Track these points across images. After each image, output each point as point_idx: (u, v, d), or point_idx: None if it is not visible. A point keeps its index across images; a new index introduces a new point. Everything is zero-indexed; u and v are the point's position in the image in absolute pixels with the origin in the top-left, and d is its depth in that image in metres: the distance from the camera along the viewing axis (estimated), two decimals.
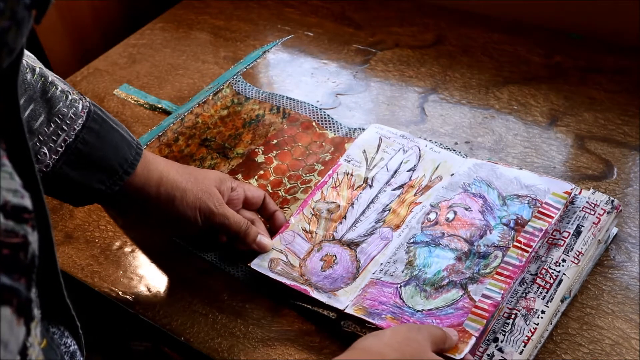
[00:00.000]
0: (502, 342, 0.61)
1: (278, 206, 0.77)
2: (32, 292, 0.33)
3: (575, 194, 0.70)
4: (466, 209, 0.71)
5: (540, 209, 0.68)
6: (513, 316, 0.62)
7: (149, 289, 0.74)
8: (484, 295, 0.62)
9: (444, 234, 0.70)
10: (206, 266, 0.75)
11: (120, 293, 0.74)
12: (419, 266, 0.67)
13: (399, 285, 0.66)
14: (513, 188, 0.71)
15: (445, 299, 0.64)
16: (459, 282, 0.65)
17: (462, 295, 0.63)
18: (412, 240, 0.70)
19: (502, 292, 0.62)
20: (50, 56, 1.16)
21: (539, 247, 0.66)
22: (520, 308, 0.62)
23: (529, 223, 0.67)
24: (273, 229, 0.75)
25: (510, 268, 0.64)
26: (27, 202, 0.32)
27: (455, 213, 0.71)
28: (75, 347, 0.55)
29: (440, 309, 0.63)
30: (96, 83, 1.04)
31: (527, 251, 0.65)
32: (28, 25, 0.35)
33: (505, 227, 0.68)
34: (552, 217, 0.67)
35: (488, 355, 0.60)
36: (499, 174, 0.73)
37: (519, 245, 0.65)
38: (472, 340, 0.59)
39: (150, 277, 0.75)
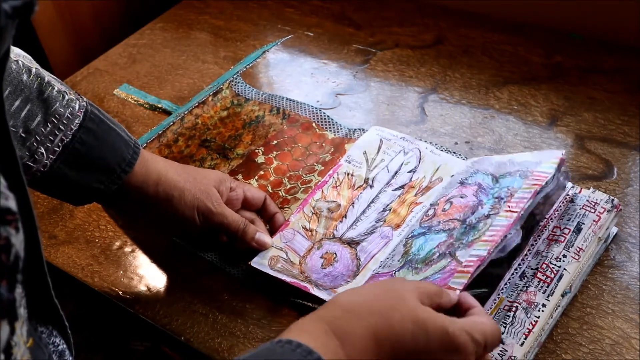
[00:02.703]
0: (503, 333, 0.61)
1: (278, 206, 0.77)
2: (15, 292, 0.33)
3: (575, 193, 0.70)
4: (461, 197, 0.71)
5: (530, 176, 0.67)
6: (514, 309, 0.62)
7: (149, 289, 0.74)
8: (470, 256, 0.61)
9: (439, 222, 0.69)
10: (206, 266, 0.75)
11: (120, 293, 0.74)
12: (413, 252, 0.67)
13: (393, 272, 0.66)
14: (505, 168, 0.71)
15: (434, 269, 0.63)
16: (449, 252, 0.64)
17: (449, 262, 0.63)
18: (410, 236, 0.70)
19: (489, 247, 0.61)
20: (50, 56, 1.16)
21: (530, 207, 0.64)
22: (521, 301, 0.63)
23: (519, 190, 0.66)
24: (273, 231, 0.75)
25: (498, 228, 0.63)
26: (11, 203, 0.32)
27: (451, 203, 0.71)
28: (64, 346, 0.55)
29: (429, 277, 0.62)
30: (96, 83, 1.04)
31: (515, 212, 0.63)
32: (10, 32, 0.35)
33: (496, 200, 0.67)
34: (543, 179, 0.65)
35: None
36: (493, 161, 0.73)
37: (508, 208, 0.64)
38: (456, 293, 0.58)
39: (150, 277, 0.75)
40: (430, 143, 0.81)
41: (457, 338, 0.49)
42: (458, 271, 0.60)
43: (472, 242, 0.63)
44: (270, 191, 0.80)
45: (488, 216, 0.65)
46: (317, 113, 0.89)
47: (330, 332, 0.48)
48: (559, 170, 0.67)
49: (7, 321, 0.32)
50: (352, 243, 0.72)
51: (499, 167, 0.71)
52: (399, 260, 0.68)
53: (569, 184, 0.70)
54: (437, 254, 0.65)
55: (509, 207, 0.65)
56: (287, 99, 0.92)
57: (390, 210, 0.74)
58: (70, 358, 0.56)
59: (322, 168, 0.82)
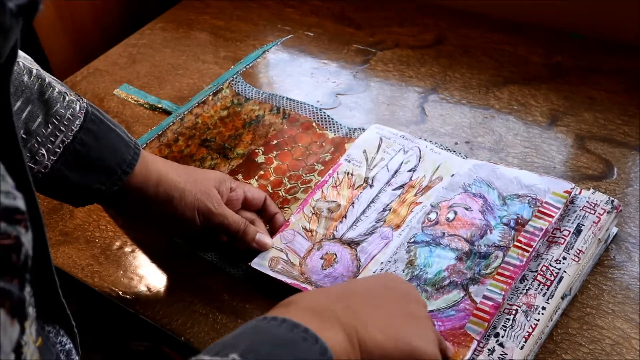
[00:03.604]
0: (502, 337, 0.61)
1: (278, 206, 0.77)
2: (25, 291, 0.33)
3: (575, 194, 0.70)
4: (466, 209, 0.71)
5: (540, 209, 0.68)
6: (514, 312, 0.62)
7: (149, 289, 0.74)
8: (485, 297, 0.63)
9: (444, 233, 0.70)
10: (206, 266, 0.75)
11: (120, 293, 0.74)
12: (419, 266, 0.68)
13: None
14: (513, 188, 0.71)
15: (446, 300, 0.64)
16: (460, 283, 0.65)
17: (463, 297, 0.64)
18: (412, 240, 0.70)
19: (503, 292, 0.62)
20: (50, 56, 1.16)
21: (540, 246, 0.66)
22: (521, 304, 0.63)
23: (530, 222, 0.67)
24: (273, 231, 0.75)
25: (511, 268, 0.64)
26: (20, 203, 0.32)
27: (455, 213, 0.71)
28: (71, 345, 0.55)
29: (442, 311, 0.63)
30: (96, 83, 1.04)
31: (527, 251, 0.65)
32: (16, 31, 0.35)
33: (505, 227, 0.68)
34: (552, 217, 0.67)
35: (489, 349, 0.60)
36: (499, 174, 0.73)
37: (519, 245, 0.66)
38: (474, 344, 0.59)
39: (150, 277, 0.75)
40: (430, 141, 0.81)
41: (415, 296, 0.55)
42: (474, 314, 0.62)
43: (484, 278, 0.64)
44: (270, 191, 0.80)
45: (498, 247, 0.66)
46: (317, 113, 0.89)
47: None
48: (566, 205, 0.68)
49: (17, 320, 0.32)
50: (352, 244, 0.72)
51: (505, 185, 0.72)
52: (404, 271, 0.68)
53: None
54: (448, 280, 0.65)
55: (519, 241, 0.66)
56: (287, 98, 0.92)
57: (390, 210, 0.74)
58: (77, 357, 0.56)
59: (322, 168, 0.82)
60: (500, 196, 0.71)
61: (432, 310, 0.63)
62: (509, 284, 0.63)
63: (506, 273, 0.64)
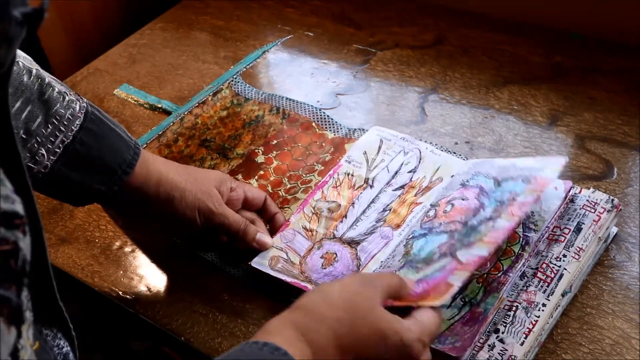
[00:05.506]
0: (503, 333, 0.61)
1: (278, 206, 0.77)
2: (22, 295, 0.33)
3: (575, 193, 0.70)
4: (463, 199, 0.70)
5: (533, 182, 0.66)
6: (514, 308, 0.62)
7: (149, 289, 0.74)
8: (471, 255, 0.61)
9: (440, 224, 0.69)
10: (206, 266, 0.75)
11: (120, 293, 0.74)
12: (414, 253, 0.67)
13: (394, 272, 0.66)
14: (508, 172, 0.70)
15: (434, 268, 0.62)
16: (449, 252, 0.64)
17: (450, 261, 0.62)
18: (411, 236, 0.70)
19: (490, 247, 0.60)
20: (50, 56, 1.16)
21: (531, 210, 0.64)
22: (522, 301, 0.63)
23: (522, 194, 0.65)
24: (273, 231, 0.75)
25: (500, 230, 0.62)
26: (18, 207, 0.32)
27: (452, 205, 0.71)
28: (68, 348, 0.55)
29: (429, 276, 0.61)
30: (96, 83, 1.04)
31: (518, 215, 0.62)
32: (20, 39, 0.35)
33: (498, 203, 0.67)
34: (545, 185, 0.64)
35: (489, 345, 0.60)
36: (495, 165, 0.73)
37: (510, 212, 0.64)
38: (454, 289, 0.57)
39: (150, 277, 0.75)
40: (431, 143, 0.81)
41: (412, 349, 0.53)
42: (457, 268, 0.60)
43: (472, 243, 0.63)
44: (270, 191, 0.80)
45: (490, 219, 0.65)
46: (317, 113, 0.89)
47: (300, 335, 0.51)
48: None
49: (14, 325, 0.31)
50: (353, 243, 0.72)
51: (501, 171, 0.71)
52: (399, 261, 0.67)
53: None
54: (438, 254, 0.65)
55: (511, 211, 0.64)
56: (287, 98, 0.92)
57: (390, 210, 0.74)
58: None
59: (322, 168, 0.82)
60: (496, 182, 0.70)
61: (420, 278, 0.62)
62: (496, 243, 0.60)
63: (494, 235, 0.62)
